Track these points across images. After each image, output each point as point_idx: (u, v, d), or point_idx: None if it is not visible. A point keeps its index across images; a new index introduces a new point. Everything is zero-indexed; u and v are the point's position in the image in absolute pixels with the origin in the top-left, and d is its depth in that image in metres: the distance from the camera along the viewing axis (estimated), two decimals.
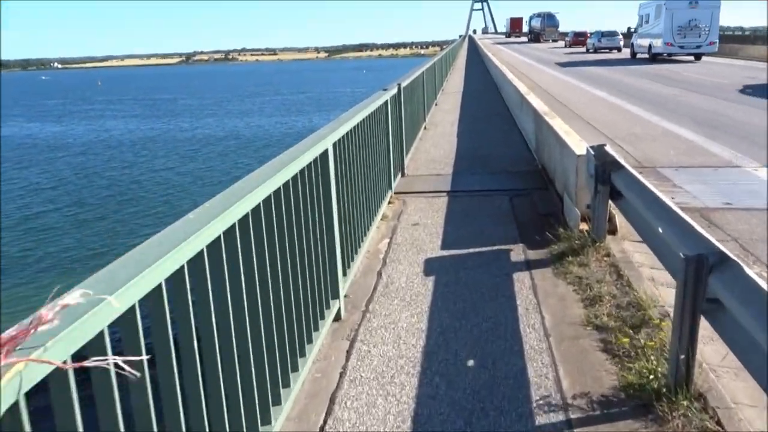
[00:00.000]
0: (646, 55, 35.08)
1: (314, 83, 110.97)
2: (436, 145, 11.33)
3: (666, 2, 31.85)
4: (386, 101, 6.61)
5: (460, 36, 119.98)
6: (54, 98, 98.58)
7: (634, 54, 37.60)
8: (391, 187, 7.28)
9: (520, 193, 7.61)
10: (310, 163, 3.41)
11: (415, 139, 10.95)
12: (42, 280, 17.12)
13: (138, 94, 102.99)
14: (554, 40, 75.16)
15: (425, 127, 12.90)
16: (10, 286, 16.77)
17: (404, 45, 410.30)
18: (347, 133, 4.45)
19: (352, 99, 70.97)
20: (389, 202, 7.14)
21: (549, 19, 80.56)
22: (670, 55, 33.50)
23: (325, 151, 3.74)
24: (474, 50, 56.57)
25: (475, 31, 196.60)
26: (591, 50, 48.02)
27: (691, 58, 33.45)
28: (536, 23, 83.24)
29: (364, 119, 5.17)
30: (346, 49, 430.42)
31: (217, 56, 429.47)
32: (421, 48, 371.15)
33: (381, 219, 6.43)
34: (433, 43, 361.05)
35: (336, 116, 5.09)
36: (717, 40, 32.35)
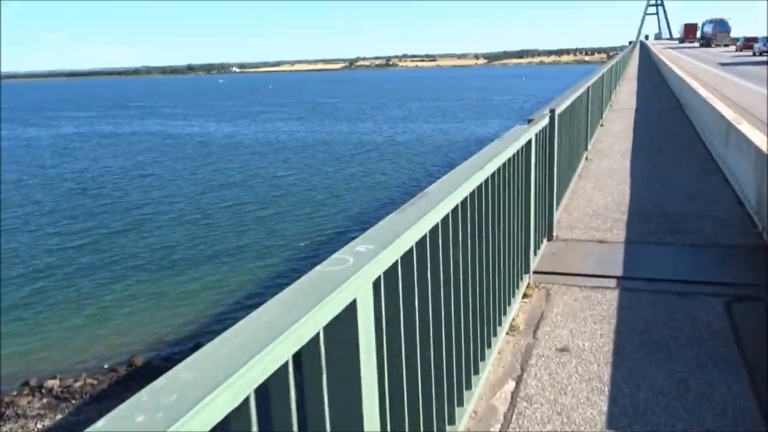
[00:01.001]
0: None
1: (472, 90, 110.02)
2: (600, 187, 8.43)
3: None
4: (529, 141, 4.50)
5: (630, 42, 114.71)
6: (229, 100, 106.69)
7: None
8: (528, 270, 4.88)
9: (742, 296, 4.61)
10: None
11: (573, 177, 8.52)
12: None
13: (303, 97, 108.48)
14: (725, 45, 77.76)
15: (587, 158, 10.38)
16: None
17: (567, 51, 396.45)
18: (458, 206, 2.80)
19: (508, 108, 69.44)
20: (524, 295, 4.68)
21: (721, 25, 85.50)
22: None
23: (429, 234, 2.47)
24: (647, 59, 52.56)
25: (647, 37, 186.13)
26: (757, 54, 51.74)
27: None
28: (708, 29, 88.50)
29: (489, 177, 3.33)
30: (506, 55, 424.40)
31: (378, 62, 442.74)
32: (586, 54, 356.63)
33: (506, 333, 4.08)
34: (599, 50, 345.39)
35: (494, 124, 4.31)
36: None
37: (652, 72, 35.60)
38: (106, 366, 12.88)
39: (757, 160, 6.57)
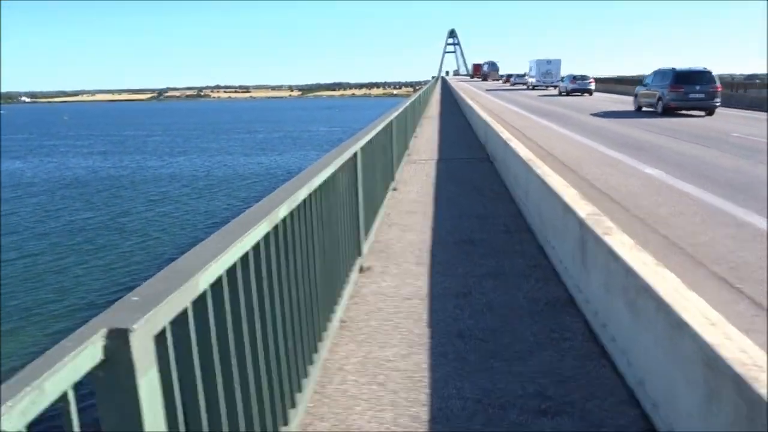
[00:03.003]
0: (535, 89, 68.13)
1: (288, 121, 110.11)
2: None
3: (535, 60, 72.74)
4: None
5: (432, 77, 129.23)
6: (18, 133, 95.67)
7: (533, 87, 70.44)
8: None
9: None
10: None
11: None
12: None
13: (106, 129, 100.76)
14: (495, 80, 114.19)
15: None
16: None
17: (377, 85, 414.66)
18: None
19: (328, 138, 70.20)
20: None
21: (493, 65, 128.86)
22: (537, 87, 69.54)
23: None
24: (448, 93, 56.45)
25: (447, 73, 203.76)
26: (511, 84, 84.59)
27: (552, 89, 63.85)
28: (485, 68, 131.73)
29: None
30: (319, 87, 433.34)
31: (189, 93, 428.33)
32: (394, 88, 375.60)
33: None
34: (406, 84, 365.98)
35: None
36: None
37: (453, 108, 37.51)
38: None
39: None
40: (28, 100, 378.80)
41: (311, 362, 3.60)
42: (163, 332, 1.67)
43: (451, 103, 42.62)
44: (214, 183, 40.57)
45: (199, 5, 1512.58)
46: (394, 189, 10.46)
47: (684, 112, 26.59)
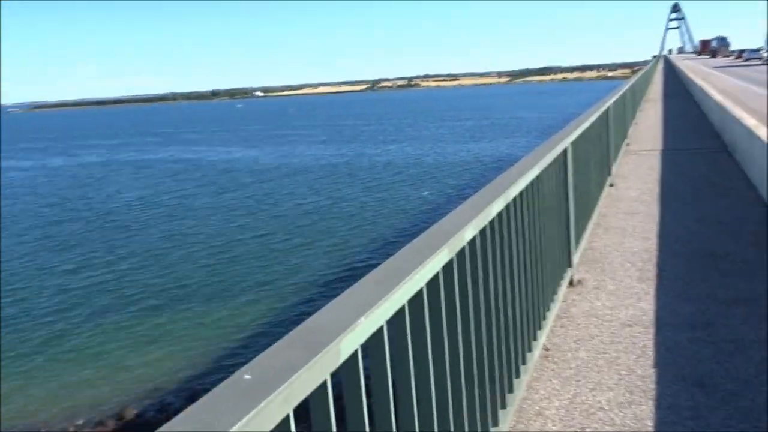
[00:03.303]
0: None
1: (496, 108, 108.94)
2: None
3: None
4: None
5: (653, 56, 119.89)
6: (252, 125, 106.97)
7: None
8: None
9: None
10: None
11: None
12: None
13: (327, 120, 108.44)
14: (725, 56, 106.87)
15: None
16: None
17: (590, 68, 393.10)
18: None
19: (537, 125, 68.11)
20: None
21: (722, 40, 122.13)
22: None
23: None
24: (672, 73, 51.29)
25: (670, 51, 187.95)
26: (743, 60, 75.94)
27: None
28: (714, 44, 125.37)
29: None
30: (528, 72, 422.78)
31: (400, 82, 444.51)
32: (609, 70, 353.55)
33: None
34: (623, 65, 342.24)
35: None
36: None
37: (678, 90, 33.95)
38: (92, 419, 11.82)
39: None
40: (261, 94, 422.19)
41: (503, 406, 3.05)
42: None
43: (676, 84, 38.75)
44: (425, 170, 41.50)
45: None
46: (611, 185, 9.22)
47: None
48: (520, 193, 3.34)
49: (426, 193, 32.59)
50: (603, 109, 8.26)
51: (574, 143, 5.25)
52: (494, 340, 2.88)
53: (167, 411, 11.79)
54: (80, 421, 11.70)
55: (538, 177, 3.74)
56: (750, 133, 9.29)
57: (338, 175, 42.16)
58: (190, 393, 12.34)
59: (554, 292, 4.53)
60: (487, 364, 2.75)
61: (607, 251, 6.22)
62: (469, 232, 2.50)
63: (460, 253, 2.42)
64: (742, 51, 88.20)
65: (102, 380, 13.35)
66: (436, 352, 2.22)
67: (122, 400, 12.33)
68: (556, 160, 4.42)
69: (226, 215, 30.46)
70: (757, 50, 75.57)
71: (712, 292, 5.02)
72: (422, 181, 37.53)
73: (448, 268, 2.30)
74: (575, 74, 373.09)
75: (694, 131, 15.84)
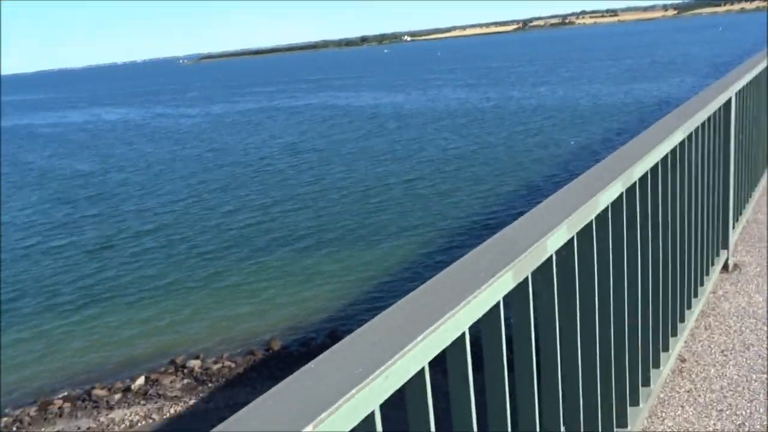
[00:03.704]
0: None
1: (660, 46, 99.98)
2: None
3: None
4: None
5: None
6: (400, 69, 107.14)
7: None
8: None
9: None
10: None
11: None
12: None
13: (474, 62, 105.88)
14: None
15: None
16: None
17: None
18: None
19: (709, 62, 61.50)
20: None
21: None
22: None
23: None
24: None
25: None
26: None
27: None
28: None
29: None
30: (699, 4, 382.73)
31: (553, 21, 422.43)
32: None
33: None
34: None
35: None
36: None
37: None
38: (245, 348, 12.66)
39: None
40: (409, 39, 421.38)
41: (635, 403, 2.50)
42: None
43: None
44: (577, 114, 39.15)
45: None
46: None
47: None
48: (663, 159, 2.67)
49: (573, 142, 30.64)
50: None
51: (740, 93, 4.10)
52: (616, 343, 2.34)
53: (309, 345, 12.32)
54: (234, 351, 12.53)
55: (688, 138, 2.99)
56: None
57: (485, 120, 41.04)
58: (331, 331, 12.75)
59: (701, 280, 3.52)
60: (602, 383, 2.25)
61: None
62: (606, 197, 2.13)
63: (596, 223, 2.10)
64: None
65: (253, 315, 14.19)
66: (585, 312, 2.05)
67: (271, 335, 13.02)
68: (711, 117, 3.47)
69: (373, 160, 30.85)
70: None
71: None
72: (573, 125, 35.43)
73: (567, 246, 1.91)
74: (755, 4, 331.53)
75: None
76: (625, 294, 2.37)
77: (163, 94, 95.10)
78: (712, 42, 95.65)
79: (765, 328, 3.26)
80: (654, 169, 2.53)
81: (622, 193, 2.24)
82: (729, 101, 3.78)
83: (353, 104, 58.56)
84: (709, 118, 3.33)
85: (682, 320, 3.14)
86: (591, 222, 2.02)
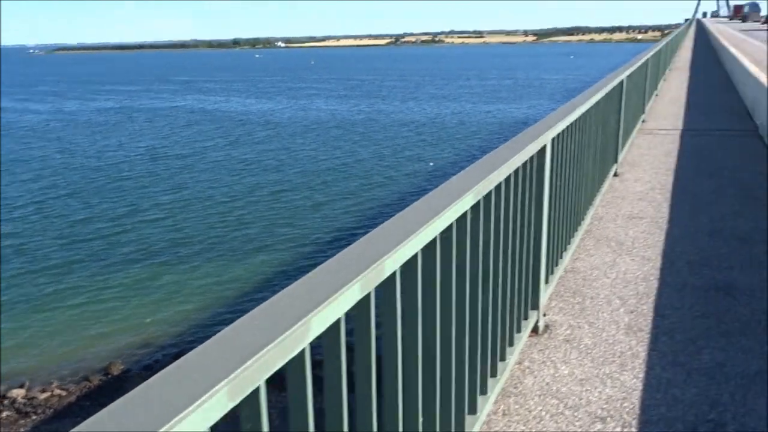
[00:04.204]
0: None
1: (521, 68, 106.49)
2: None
3: None
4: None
5: (686, 20, 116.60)
6: (271, 75, 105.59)
7: None
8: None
9: None
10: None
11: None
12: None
13: (347, 74, 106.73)
14: (755, 21, 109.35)
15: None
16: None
17: (619, 29, 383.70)
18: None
19: (562, 86, 66.28)
20: None
21: (754, 6, 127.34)
22: None
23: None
24: (704, 39, 49.32)
25: (705, 14, 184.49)
26: None
27: None
28: (746, 9, 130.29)
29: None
30: (556, 32, 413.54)
31: (424, 38, 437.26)
32: (639, 32, 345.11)
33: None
34: (654, 27, 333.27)
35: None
36: None
37: (708, 57, 32.20)
38: (80, 374, 11.59)
39: None
40: (283, 45, 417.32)
41: None
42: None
43: (707, 51, 37.03)
44: (442, 130, 40.49)
45: None
46: (616, 175, 7.69)
47: None
48: (472, 207, 2.40)
49: (431, 164, 31.49)
50: (614, 83, 6.64)
51: (557, 138, 3.89)
52: None
53: (153, 369, 11.50)
54: (66, 378, 11.45)
55: (496, 188, 2.65)
56: None
57: (355, 132, 41.31)
58: (179, 351, 12.02)
59: (504, 350, 3.08)
60: None
61: (592, 276, 4.66)
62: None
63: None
64: None
65: (94, 338, 13.06)
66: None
67: (112, 358, 12.04)
68: (528, 162, 3.18)
69: (239, 170, 29.94)
70: None
71: (726, 359, 3.43)
72: (438, 142, 36.61)
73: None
74: (603, 35, 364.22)
75: (722, 107, 14.15)
76: (444, 336, 2.29)
77: (6, 86, 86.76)
78: (565, 68, 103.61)
79: (564, 411, 2.96)
80: (461, 218, 2.31)
81: (435, 237, 2.09)
82: (543, 148, 3.47)
83: (221, 109, 56.77)
84: (520, 167, 3.01)
85: (484, 392, 2.80)
86: (435, 239, 2.06)
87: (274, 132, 42.04)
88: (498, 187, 2.68)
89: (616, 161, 7.67)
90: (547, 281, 3.98)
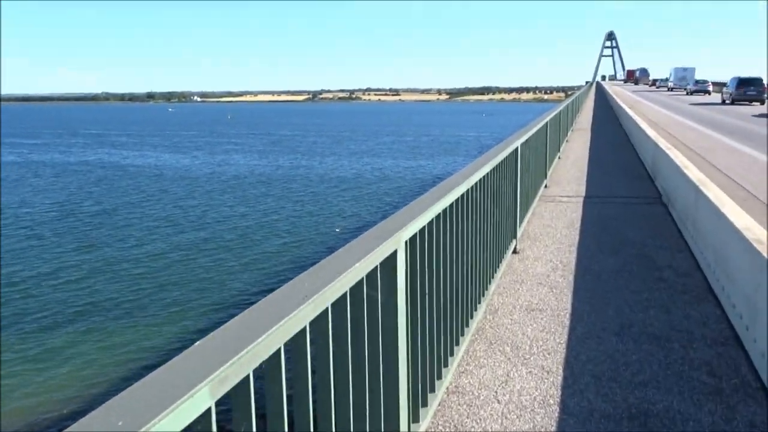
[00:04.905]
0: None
1: (436, 126, 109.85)
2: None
3: (674, 68, 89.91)
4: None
5: (586, 82, 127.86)
6: (186, 130, 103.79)
7: (671, 89, 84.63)
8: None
9: None
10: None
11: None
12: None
13: (265, 129, 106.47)
14: (645, 83, 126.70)
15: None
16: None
17: (527, 89, 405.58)
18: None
19: (476, 143, 68.67)
20: None
21: (643, 72, 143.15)
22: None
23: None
24: (603, 100, 52.89)
25: (604, 77, 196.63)
26: (656, 87, 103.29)
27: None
28: (638, 74, 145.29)
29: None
30: (468, 91, 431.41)
31: (341, 95, 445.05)
32: (545, 93, 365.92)
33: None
34: (558, 89, 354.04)
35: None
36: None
37: (609, 117, 34.09)
38: None
39: None
40: (199, 99, 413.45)
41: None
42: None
43: (607, 110, 39.50)
44: (362, 185, 40.73)
45: (357, 7, 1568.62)
46: (515, 252, 7.07)
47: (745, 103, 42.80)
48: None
49: (338, 230, 31.26)
50: (505, 153, 5.89)
51: (418, 235, 3.13)
52: None
53: None
54: None
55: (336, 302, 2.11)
56: (696, 191, 7.13)
57: (273, 188, 40.87)
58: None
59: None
60: None
61: (480, 401, 3.78)
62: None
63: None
64: (655, 80, 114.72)
65: None
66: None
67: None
68: (384, 262, 2.67)
69: (151, 228, 28.75)
70: (665, 80, 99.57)
71: None
72: (356, 198, 36.75)
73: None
74: (512, 95, 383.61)
75: (625, 169, 14.23)
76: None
77: None
78: (478, 126, 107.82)
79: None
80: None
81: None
82: (403, 248, 2.90)
83: (134, 164, 54.89)
84: (377, 268, 2.58)
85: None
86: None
87: (191, 188, 40.93)
88: (336, 303, 2.07)
89: (515, 236, 7.01)
90: (414, 418, 3.07)
